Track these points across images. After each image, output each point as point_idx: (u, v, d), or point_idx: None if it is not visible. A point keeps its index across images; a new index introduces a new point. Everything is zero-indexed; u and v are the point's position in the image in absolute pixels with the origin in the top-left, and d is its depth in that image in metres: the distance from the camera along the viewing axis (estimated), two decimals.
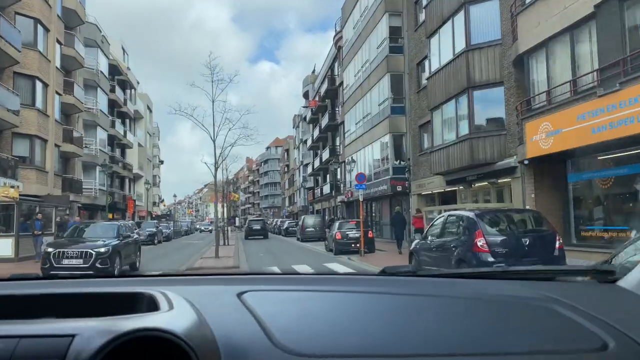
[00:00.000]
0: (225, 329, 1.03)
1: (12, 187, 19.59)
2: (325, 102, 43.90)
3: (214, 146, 19.25)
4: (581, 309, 1.18)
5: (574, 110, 11.19)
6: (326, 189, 43.27)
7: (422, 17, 21.79)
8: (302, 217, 36.43)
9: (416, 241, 11.24)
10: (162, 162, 76.20)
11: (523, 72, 14.08)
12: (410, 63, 23.88)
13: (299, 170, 64.18)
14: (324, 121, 43.16)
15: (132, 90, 46.47)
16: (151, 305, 1.12)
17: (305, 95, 57.74)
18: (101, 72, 34.66)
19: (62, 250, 12.11)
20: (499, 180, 16.13)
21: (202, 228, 67.82)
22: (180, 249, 26.46)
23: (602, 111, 10.31)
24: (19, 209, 18.11)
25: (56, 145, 25.37)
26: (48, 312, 1.18)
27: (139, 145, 48.70)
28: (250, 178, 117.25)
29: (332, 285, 1.40)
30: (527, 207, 13.10)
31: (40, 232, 17.84)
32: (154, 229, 32.66)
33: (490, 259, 8.18)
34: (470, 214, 9.00)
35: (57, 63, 25.61)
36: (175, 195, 65.13)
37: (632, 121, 9.53)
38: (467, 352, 1.05)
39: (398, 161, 25.02)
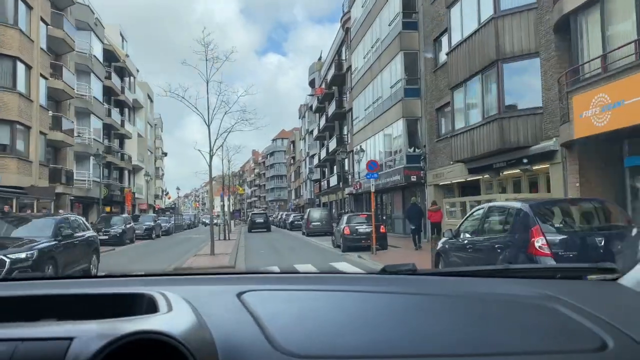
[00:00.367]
0: (225, 330, 1.03)
1: None
2: (332, 89, 41.77)
3: (209, 131, 17.18)
4: (582, 308, 1.17)
5: None
6: (333, 180, 41.27)
7: None
8: (308, 210, 34.64)
9: (444, 239, 9.13)
10: (165, 154, 74.46)
11: (567, 38, 11.91)
12: (426, 39, 21.62)
13: (305, 162, 62.21)
14: (331, 109, 41.05)
15: (131, 78, 44.47)
16: (150, 306, 1.13)
17: (312, 83, 55.47)
18: (95, 56, 32.63)
19: None
20: (534, 167, 13.97)
21: (207, 221, 66.26)
22: (176, 245, 24.79)
23: None
24: None
25: (42, 133, 23.46)
26: (48, 312, 1.19)
27: (139, 135, 46.78)
28: (257, 171, 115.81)
29: (333, 284, 1.40)
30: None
31: None
32: (152, 223, 31.11)
33: (553, 264, 6.09)
34: (523, 206, 6.87)
35: (43, 44, 23.66)
36: (178, 189, 63.52)
37: None
38: (468, 351, 1.04)
39: (412, 148, 22.74)
